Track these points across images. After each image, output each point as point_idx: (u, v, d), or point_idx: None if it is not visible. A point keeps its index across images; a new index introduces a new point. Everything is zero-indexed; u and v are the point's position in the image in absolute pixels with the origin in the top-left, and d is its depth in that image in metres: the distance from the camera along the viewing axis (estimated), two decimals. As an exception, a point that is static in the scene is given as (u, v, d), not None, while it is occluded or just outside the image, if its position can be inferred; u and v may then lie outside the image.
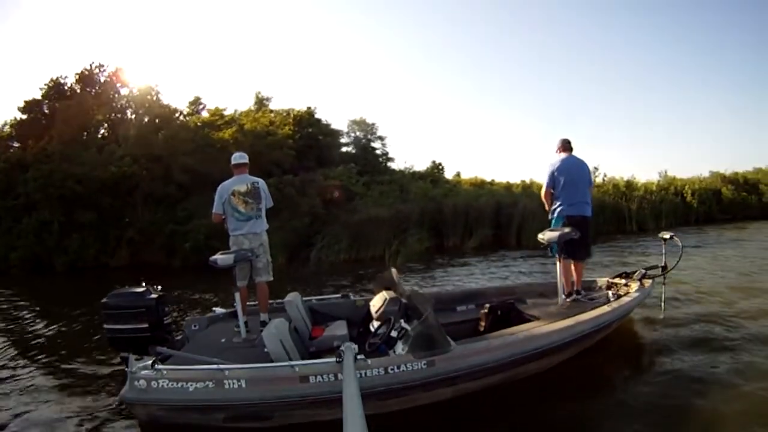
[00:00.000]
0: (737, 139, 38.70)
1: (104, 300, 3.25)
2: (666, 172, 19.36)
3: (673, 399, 2.87)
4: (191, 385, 2.56)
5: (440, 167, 20.10)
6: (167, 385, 2.57)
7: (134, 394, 2.59)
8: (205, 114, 15.71)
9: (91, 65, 13.89)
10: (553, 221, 4.16)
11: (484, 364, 2.80)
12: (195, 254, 10.40)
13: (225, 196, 3.80)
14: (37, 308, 6.75)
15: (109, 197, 11.63)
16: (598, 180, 17.08)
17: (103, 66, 13.99)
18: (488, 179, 19.97)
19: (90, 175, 11.27)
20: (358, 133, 18.39)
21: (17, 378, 3.75)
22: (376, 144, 18.64)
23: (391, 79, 44.65)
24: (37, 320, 5.91)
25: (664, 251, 4.22)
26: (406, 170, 17.79)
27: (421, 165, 19.72)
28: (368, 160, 17.11)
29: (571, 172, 4.10)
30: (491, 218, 12.92)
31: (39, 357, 4.32)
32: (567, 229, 3.80)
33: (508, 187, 18.28)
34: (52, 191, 11.19)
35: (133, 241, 11.53)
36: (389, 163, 18.21)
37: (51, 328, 5.44)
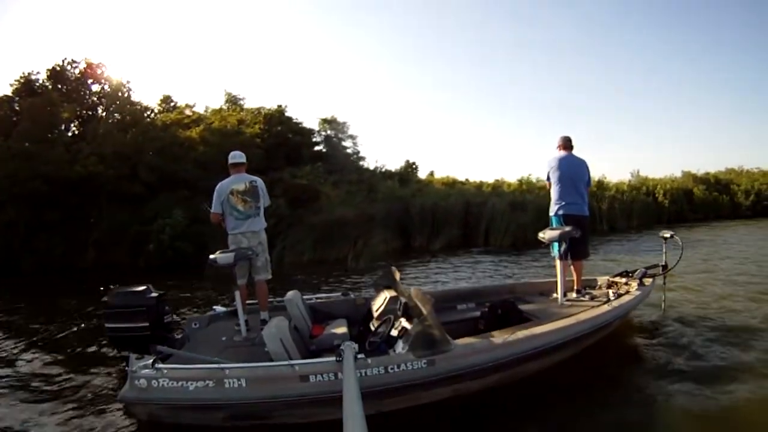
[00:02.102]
0: (711, 141, 39.32)
1: (105, 299, 3.25)
2: (638, 172, 19.49)
3: (674, 398, 2.87)
4: (191, 384, 2.56)
5: (414, 166, 20.12)
6: (167, 384, 2.57)
7: (134, 394, 2.59)
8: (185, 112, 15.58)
9: (63, 61, 13.53)
10: (553, 221, 4.15)
11: (485, 364, 2.80)
12: (159, 255, 10.24)
13: (223, 195, 3.81)
14: (19, 310, 6.60)
15: (75, 197, 11.32)
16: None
17: (75, 62, 13.64)
18: (462, 179, 20.08)
19: (56, 175, 10.92)
20: (328, 132, 18.34)
21: (12, 380, 3.73)
22: (347, 143, 18.62)
23: (369, 80, 45.50)
24: (22, 323, 5.73)
25: (664, 250, 4.21)
26: (377, 169, 17.72)
27: (397, 165, 19.85)
28: (338, 159, 16.98)
29: (570, 171, 4.10)
30: (459, 218, 12.80)
31: (34, 359, 4.27)
32: (567, 228, 3.80)
33: (479, 186, 18.26)
34: (17, 191, 10.79)
35: (99, 242, 11.17)
36: (361, 162, 18.16)
37: (40, 330, 5.28)
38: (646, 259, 7.58)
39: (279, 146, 14.95)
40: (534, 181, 17.41)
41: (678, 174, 20.04)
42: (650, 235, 12.21)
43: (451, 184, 18.60)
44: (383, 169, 17.98)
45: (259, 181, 3.92)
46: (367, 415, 1.72)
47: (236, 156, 3.97)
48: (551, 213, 4.18)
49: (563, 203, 4.07)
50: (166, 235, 10.31)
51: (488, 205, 12.91)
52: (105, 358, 4.14)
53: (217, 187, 3.86)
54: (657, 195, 17.00)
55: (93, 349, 4.47)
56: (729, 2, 42.48)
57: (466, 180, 19.90)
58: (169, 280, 7.96)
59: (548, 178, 4.24)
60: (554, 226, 4.10)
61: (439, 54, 48.09)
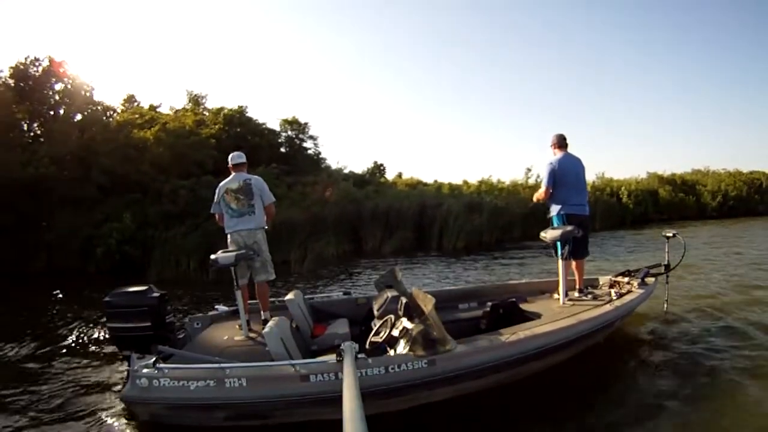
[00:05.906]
0: (677, 142, 39.50)
1: (107, 298, 3.27)
2: (603, 173, 19.15)
3: (675, 398, 2.86)
4: (192, 383, 2.57)
5: (381, 168, 19.97)
6: (169, 383, 2.58)
7: (136, 393, 2.61)
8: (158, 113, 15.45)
9: (26, 59, 13.24)
10: (554, 220, 4.13)
11: (486, 363, 2.79)
12: (108, 259, 10.16)
13: (219, 195, 3.88)
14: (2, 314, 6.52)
15: (28, 199, 10.99)
16: (530, 181, 16.74)
17: (38, 60, 13.33)
18: (431, 180, 19.68)
19: (9, 176, 10.51)
20: (289, 133, 18.28)
21: (11, 381, 3.73)
22: (308, 144, 18.58)
23: (342, 82, 45.76)
24: (10, 327, 5.61)
25: (666, 249, 4.19)
26: (340, 170, 17.58)
27: (366, 166, 19.70)
28: (298, 160, 16.79)
29: (575, 172, 4.07)
30: (414, 220, 12.46)
31: (33, 360, 4.28)
32: (569, 228, 3.78)
33: (438, 187, 17.86)
34: None
35: (50, 246, 10.80)
36: (322, 164, 18.04)
37: (27, 333, 5.19)
38: (613, 263, 7.53)
39: (238, 148, 14.67)
40: (494, 182, 17.19)
41: (643, 175, 19.74)
42: (612, 238, 11.94)
43: (414, 186, 18.31)
44: (346, 170, 17.84)
45: (256, 180, 3.94)
46: (368, 415, 1.72)
47: (236, 157, 4.03)
48: (553, 213, 4.14)
49: (569, 204, 4.03)
50: (114, 239, 10.24)
51: (443, 207, 12.55)
52: (106, 357, 4.15)
53: (216, 188, 3.93)
54: (621, 196, 16.76)
55: (93, 349, 4.49)
56: (697, 4, 42.48)
57: (435, 181, 19.53)
58: (114, 285, 7.65)
59: (550, 182, 4.05)
60: (556, 225, 4.07)
61: (412, 55, 48.35)
